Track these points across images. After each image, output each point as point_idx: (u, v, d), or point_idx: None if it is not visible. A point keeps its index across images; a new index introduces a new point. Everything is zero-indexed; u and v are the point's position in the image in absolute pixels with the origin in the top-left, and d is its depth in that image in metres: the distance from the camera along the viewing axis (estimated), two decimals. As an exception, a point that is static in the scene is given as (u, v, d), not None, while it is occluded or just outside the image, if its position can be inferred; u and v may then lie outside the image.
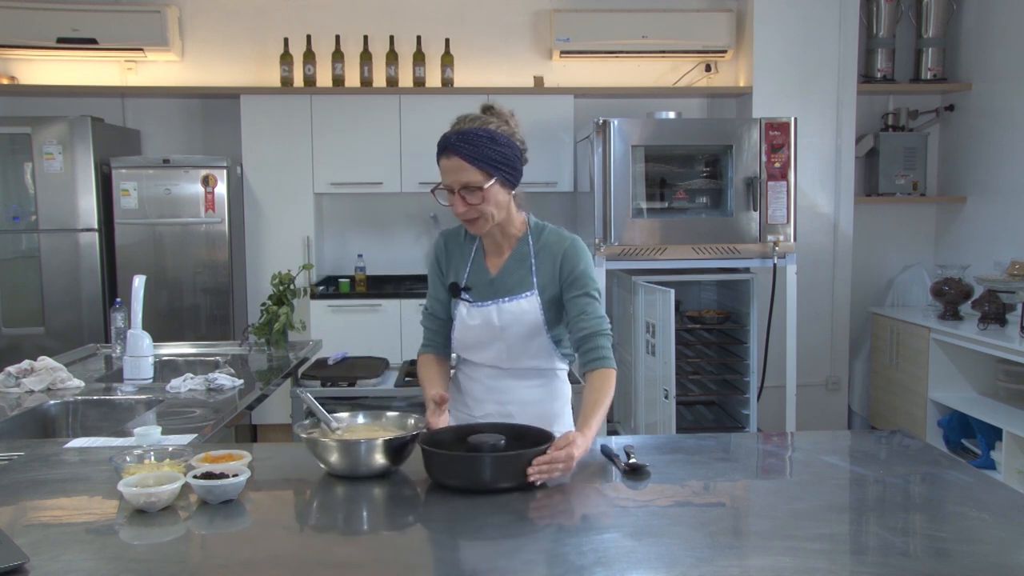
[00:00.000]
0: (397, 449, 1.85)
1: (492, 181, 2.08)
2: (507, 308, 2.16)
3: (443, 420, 2.04)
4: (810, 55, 5.16)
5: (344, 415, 2.05)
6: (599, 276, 4.54)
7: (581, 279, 2.16)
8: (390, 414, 2.05)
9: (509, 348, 2.19)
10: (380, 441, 1.82)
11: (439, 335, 2.30)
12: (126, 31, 5.14)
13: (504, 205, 2.15)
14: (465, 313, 2.20)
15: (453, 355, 2.35)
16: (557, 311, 2.19)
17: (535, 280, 2.18)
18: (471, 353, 2.25)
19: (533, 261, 2.20)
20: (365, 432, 1.97)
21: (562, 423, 2.27)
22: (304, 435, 1.90)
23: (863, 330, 5.49)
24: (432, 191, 2.15)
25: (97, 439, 2.21)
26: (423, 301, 2.37)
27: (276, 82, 5.36)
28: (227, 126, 5.42)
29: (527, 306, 2.16)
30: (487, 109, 2.14)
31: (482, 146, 2.05)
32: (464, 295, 2.20)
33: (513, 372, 2.23)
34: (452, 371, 2.36)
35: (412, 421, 1.99)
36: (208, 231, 5.05)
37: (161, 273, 4.98)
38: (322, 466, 1.87)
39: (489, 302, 2.18)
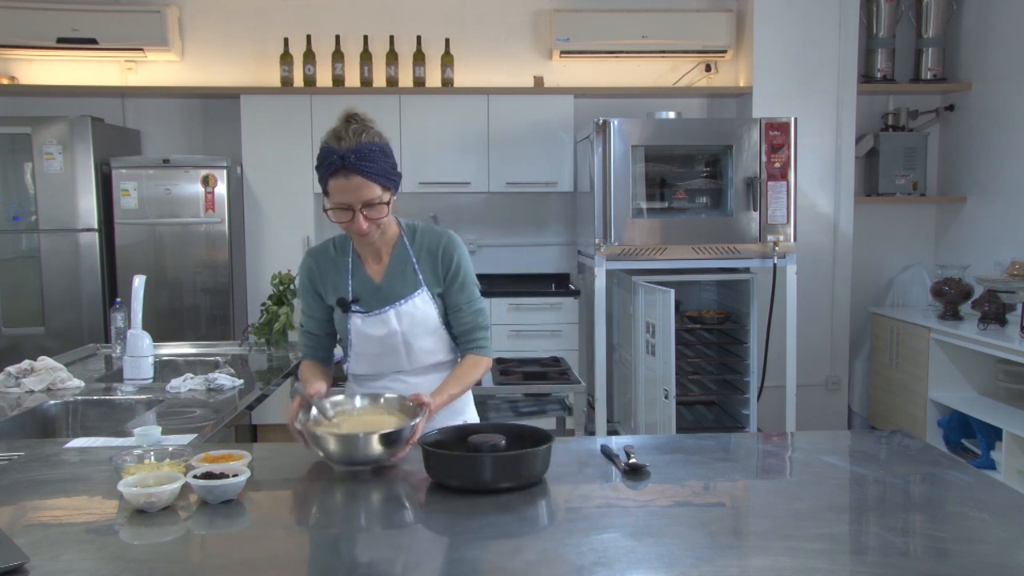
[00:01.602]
0: (395, 440, 1.85)
1: (390, 192, 2.09)
2: (404, 310, 2.18)
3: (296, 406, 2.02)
4: (810, 55, 5.16)
5: (339, 397, 2.06)
6: (600, 276, 4.56)
7: (459, 273, 2.22)
8: (388, 396, 2.07)
9: (411, 350, 2.20)
10: (377, 435, 1.82)
11: (319, 349, 2.30)
12: (126, 31, 5.14)
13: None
14: (361, 324, 2.18)
15: (348, 374, 2.33)
16: (443, 305, 2.24)
17: (420, 278, 2.20)
18: (373, 364, 2.24)
19: (415, 261, 2.21)
20: (365, 417, 1.99)
21: (469, 410, 2.34)
22: (304, 429, 1.91)
23: (863, 330, 5.49)
24: (325, 211, 2.10)
25: (97, 439, 2.21)
26: None
27: (276, 82, 5.36)
28: (227, 126, 5.42)
29: (420, 304, 2.19)
30: (352, 117, 2.09)
31: (378, 160, 2.04)
32: (355, 307, 2.18)
33: (415, 372, 2.24)
34: (345, 387, 2.34)
35: (411, 404, 2.01)
36: (208, 231, 5.05)
37: (161, 273, 4.98)
38: (320, 454, 1.88)
39: (387, 307, 2.18)
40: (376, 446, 1.83)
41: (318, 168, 2.08)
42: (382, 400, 2.06)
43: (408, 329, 2.18)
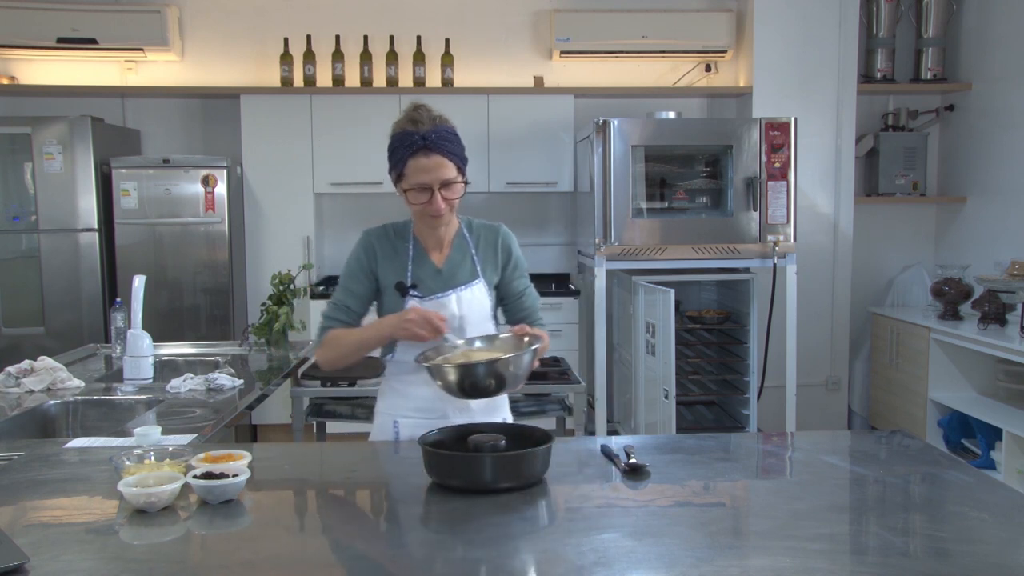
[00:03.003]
0: (517, 366, 1.94)
1: (463, 177, 2.16)
2: (464, 296, 2.22)
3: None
4: (810, 55, 5.16)
5: (452, 341, 2.09)
6: (600, 276, 4.56)
7: (519, 263, 2.32)
8: (504, 335, 2.11)
9: (464, 337, 2.19)
10: (499, 360, 1.92)
11: (347, 327, 2.23)
12: (126, 31, 5.14)
13: None
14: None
15: (388, 362, 2.30)
16: (495, 296, 2.31)
17: (479, 268, 2.26)
18: (424, 350, 2.20)
19: (474, 252, 2.27)
20: (482, 354, 2.03)
21: (505, 409, 2.36)
22: (429, 363, 1.98)
23: (863, 330, 5.49)
24: (404, 192, 2.14)
25: (97, 439, 2.21)
26: None
27: (276, 82, 5.36)
28: (227, 126, 5.42)
29: (478, 293, 2.24)
30: (420, 107, 2.15)
31: (455, 142, 2.12)
32: (413, 292, 2.20)
33: None
34: (382, 380, 2.33)
35: (527, 339, 2.05)
36: (208, 231, 5.05)
37: (161, 273, 4.98)
38: (441, 386, 1.98)
39: (449, 291, 2.21)
40: (498, 374, 1.92)
41: (394, 152, 2.13)
42: (496, 341, 2.11)
43: (466, 315, 2.21)
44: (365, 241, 2.27)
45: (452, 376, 1.94)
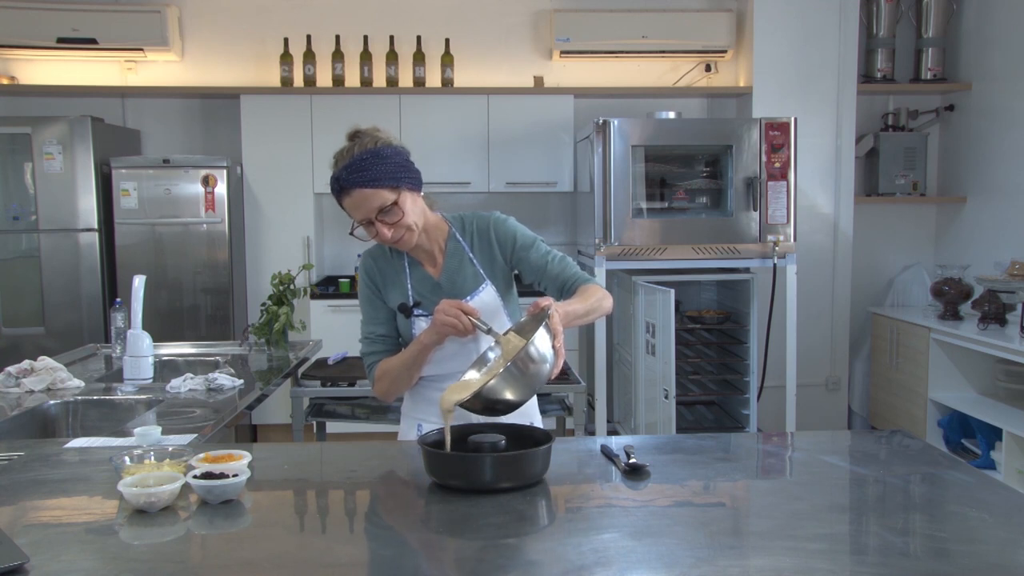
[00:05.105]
0: (529, 367, 1.81)
1: (400, 192, 2.03)
2: (472, 305, 2.11)
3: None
4: (810, 55, 5.16)
5: (471, 373, 2.00)
6: (600, 276, 4.56)
7: (524, 240, 2.17)
8: (511, 334, 1.96)
9: (480, 346, 2.13)
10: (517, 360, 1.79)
11: (389, 354, 2.19)
12: (126, 31, 5.15)
13: (421, 210, 2.11)
14: (428, 327, 2.09)
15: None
16: (507, 287, 2.20)
17: (482, 271, 2.16)
18: (443, 365, 2.16)
19: (471, 254, 2.17)
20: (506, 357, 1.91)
21: (535, 414, 2.29)
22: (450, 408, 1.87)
23: (863, 330, 5.49)
24: (351, 233, 2.09)
25: (97, 439, 2.21)
26: None
27: (276, 82, 5.36)
28: (227, 126, 5.42)
29: (487, 299, 2.14)
30: (354, 135, 2.07)
31: (372, 167, 1.99)
32: (417, 311, 2.13)
33: None
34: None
35: (530, 316, 1.93)
36: (208, 231, 5.05)
37: (161, 273, 4.99)
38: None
39: None
40: (514, 383, 1.79)
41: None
42: (509, 335, 1.96)
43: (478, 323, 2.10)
44: (365, 264, 2.21)
45: (476, 412, 1.84)
